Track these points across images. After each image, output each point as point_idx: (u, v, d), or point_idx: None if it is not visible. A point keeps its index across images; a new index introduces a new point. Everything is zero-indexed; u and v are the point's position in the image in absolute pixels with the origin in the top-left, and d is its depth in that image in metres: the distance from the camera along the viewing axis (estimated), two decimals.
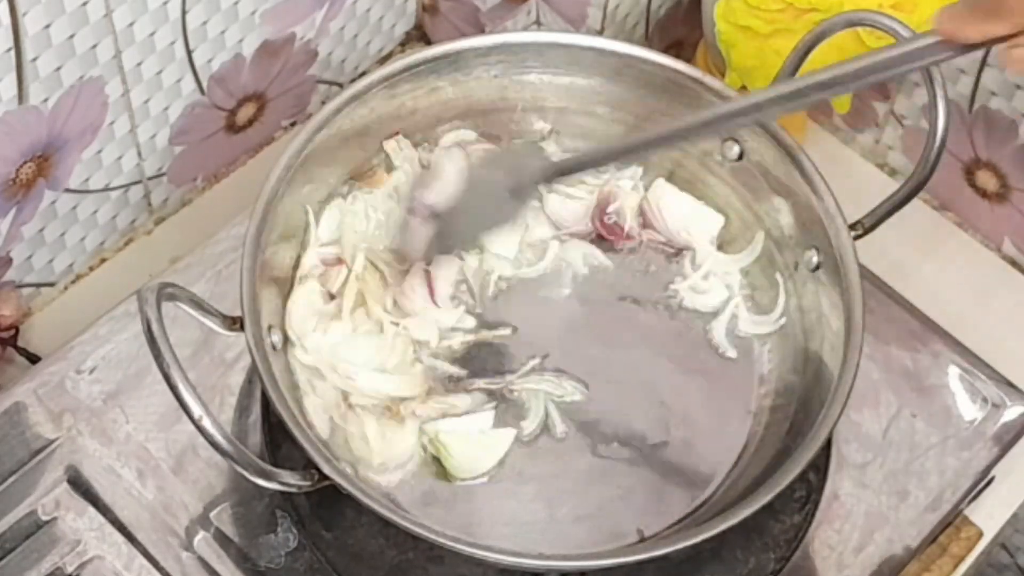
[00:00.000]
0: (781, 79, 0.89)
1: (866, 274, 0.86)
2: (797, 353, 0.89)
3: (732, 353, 0.91)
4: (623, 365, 0.90)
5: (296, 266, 0.88)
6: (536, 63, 0.92)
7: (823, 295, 0.86)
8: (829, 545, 0.86)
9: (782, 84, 0.80)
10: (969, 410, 0.91)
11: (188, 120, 0.98)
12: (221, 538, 0.83)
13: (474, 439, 0.84)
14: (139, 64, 0.90)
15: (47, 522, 0.83)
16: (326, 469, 0.73)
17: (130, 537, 0.83)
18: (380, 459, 0.83)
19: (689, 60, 0.93)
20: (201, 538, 0.83)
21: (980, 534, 0.92)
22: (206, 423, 0.69)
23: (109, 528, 0.83)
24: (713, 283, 0.93)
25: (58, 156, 0.90)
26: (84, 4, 0.83)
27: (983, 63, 1.00)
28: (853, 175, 1.11)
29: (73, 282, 1.00)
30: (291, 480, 0.73)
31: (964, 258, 1.08)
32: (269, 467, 0.72)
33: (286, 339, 0.84)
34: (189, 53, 0.93)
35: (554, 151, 0.95)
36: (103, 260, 1.01)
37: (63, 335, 0.90)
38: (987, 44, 0.67)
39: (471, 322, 0.90)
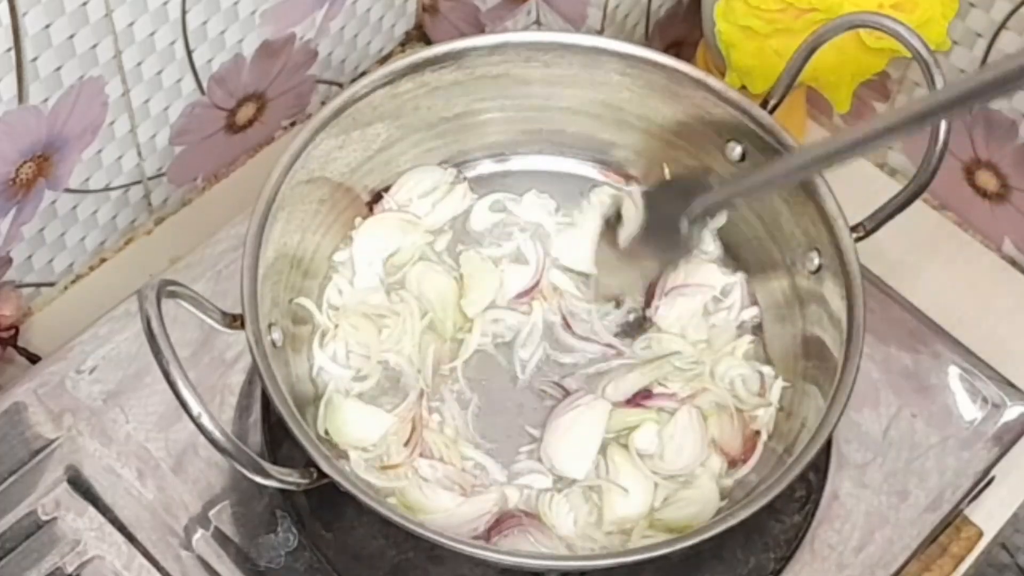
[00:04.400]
0: (784, 79, 0.89)
1: (866, 274, 0.86)
2: (797, 354, 0.89)
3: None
4: None
5: None
6: (537, 63, 0.92)
7: (824, 297, 0.86)
8: (829, 545, 0.86)
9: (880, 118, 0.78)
10: (969, 410, 0.91)
11: (188, 120, 0.98)
12: (221, 538, 0.83)
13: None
14: (139, 64, 0.90)
15: (47, 522, 0.83)
16: (325, 467, 0.73)
17: (130, 537, 0.83)
18: None
19: (689, 60, 0.92)
20: (201, 537, 0.83)
21: (980, 534, 0.92)
22: (205, 420, 0.69)
23: (109, 528, 0.83)
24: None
25: (58, 156, 0.90)
26: (84, 4, 0.83)
27: (983, 63, 1.00)
28: (853, 175, 1.10)
29: (73, 282, 1.00)
30: (289, 478, 0.73)
31: (964, 258, 1.08)
32: (268, 464, 0.72)
33: None
34: (189, 53, 0.93)
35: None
36: (103, 260, 1.01)
37: (63, 335, 0.90)
38: None
39: None
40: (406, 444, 0.85)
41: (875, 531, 0.86)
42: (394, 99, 0.90)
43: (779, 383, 0.88)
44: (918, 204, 0.88)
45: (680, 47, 1.15)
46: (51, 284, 0.99)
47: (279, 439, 0.86)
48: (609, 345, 0.91)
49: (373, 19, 1.08)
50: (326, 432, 0.85)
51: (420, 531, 0.74)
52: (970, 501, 0.90)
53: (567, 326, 0.91)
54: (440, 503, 0.83)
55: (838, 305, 0.83)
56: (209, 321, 0.77)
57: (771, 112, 0.89)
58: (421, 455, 0.84)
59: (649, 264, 0.91)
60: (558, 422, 0.85)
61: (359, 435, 0.84)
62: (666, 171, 0.95)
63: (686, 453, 0.86)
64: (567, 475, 0.84)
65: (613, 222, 0.92)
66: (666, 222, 0.88)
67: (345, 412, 0.85)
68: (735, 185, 0.87)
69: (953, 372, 0.93)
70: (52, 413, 0.86)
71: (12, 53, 0.81)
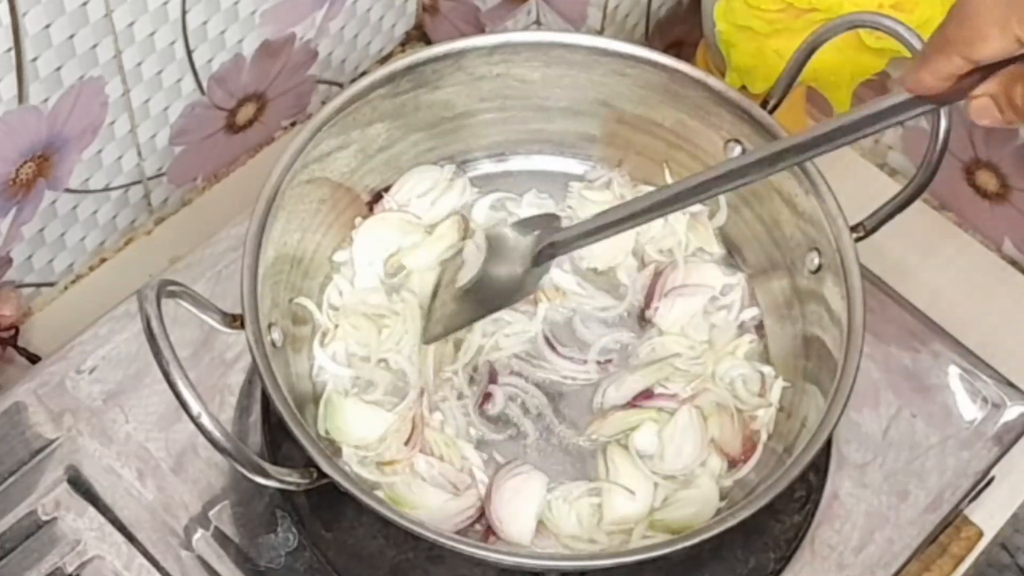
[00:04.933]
0: (784, 79, 0.89)
1: (866, 274, 0.86)
2: (797, 354, 0.89)
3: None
4: None
5: None
6: (537, 63, 0.92)
7: (824, 297, 0.86)
8: (829, 545, 0.86)
9: (765, 147, 0.78)
10: (969, 410, 0.91)
11: (188, 120, 0.98)
12: (221, 538, 0.83)
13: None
14: (139, 64, 0.90)
15: (47, 522, 0.83)
16: (325, 467, 0.73)
17: (130, 537, 0.83)
18: None
19: (689, 60, 0.92)
20: (201, 537, 0.83)
21: (980, 534, 0.92)
22: (204, 420, 0.69)
23: (109, 528, 0.83)
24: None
25: (58, 156, 0.90)
26: (84, 4, 0.83)
27: None
28: (853, 175, 1.11)
29: (73, 282, 1.00)
30: (289, 478, 0.73)
31: (964, 258, 1.08)
32: (267, 464, 0.72)
33: None
34: (189, 53, 0.93)
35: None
36: (103, 260, 1.01)
37: (63, 335, 0.90)
38: (954, 93, 0.65)
39: None
40: (407, 443, 0.85)
41: (875, 531, 0.86)
42: (394, 99, 0.90)
43: (779, 383, 0.88)
44: (918, 204, 0.88)
45: (680, 47, 1.15)
46: (51, 284, 0.99)
47: (279, 439, 0.86)
48: (598, 361, 0.91)
49: (373, 19, 1.08)
50: (326, 432, 0.85)
51: (421, 531, 0.74)
52: (970, 501, 0.90)
53: (551, 346, 0.91)
54: (426, 498, 0.83)
55: (838, 305, 0.83)
56: (209, 321, 0.77)
57: (771, 112, 0.89)
58: (421, 451, 0.85)
59: (483, 305, 0.87)
60: (503, 487, 0.84)
61: (359, 434, 0.84)
62: (666, 172, 0.95)
63: (686, 453, 0.86)
64: (512, 539, 0.83)
65: (455, 264, 0.89)
66: (507, 264, 0.86)
67: (345, 412, 0.85)
68: (583, 227, 0.84)
69: (953, 372, 0.93)
70: (52, 413, 0.86)
71: (12, 53, 0.81)
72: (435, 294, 0.89)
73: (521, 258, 0.85)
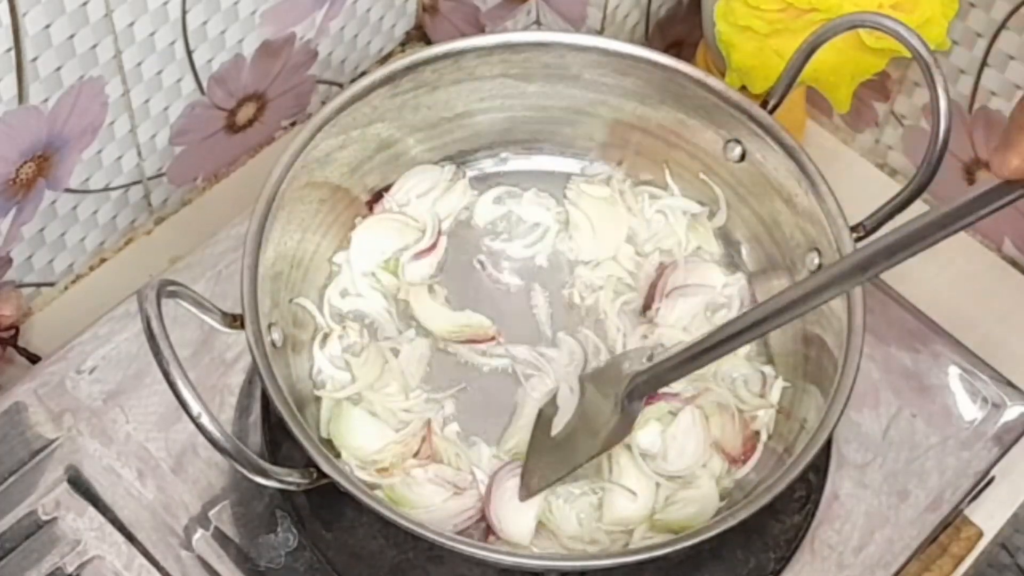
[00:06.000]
0: (784, 79, 0.89)
1: None
2: (797, 354, 0.89)
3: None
4: None
5: None
6: (537, 63, 0.92)
7: None
8: (829, 545, 0.86)
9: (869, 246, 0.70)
10: (969, 410, 0.91)
11: (188, 120, 0.98)
12: (221, 538, 0.83)
13: None
14: (139, 64, 0.90)
15: (47, 522, 0.83)
16: (325, 467, 0.73)
17: (130, 537, 0.83)
18: None
19: (689, 60, 0.92)
20: (201, 537, 0.83)
21: (980, 534, 0.92)
22: (204, 420, 0.69)
23: (109, 528, 0.83)
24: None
25: (58, 156, 0.90)
26: (84, 4, 0.83)
27: (983, 63, 1.00)
28: (853, 175, 1.11)
29: (73, 282, 1.00)
30: (289, 478, 0.73)
31: (964, 258, 1.08)
32: (267, 464, 0.72)
33: None
34: (189, 53, 0.93)
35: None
36: (103, 260, 1.01)
37: (63, 335, 0.90)
38: None
39: None
40: (415, 456, 0.85)
41: (875, 531, 0.86)
42: (394, 99, 0.90)
43: (779, 383, 0.88)
44: (918, 203, 0.88)
45: (680, 47, 1.15)
46: (51, 284, 0.99)
47: (279, 439, 0.86)
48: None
49: (373, 19, 1.08)
50: (327, 434, 0.85)
51: (421, 531, 0.74)
52: (970, 501, 0.90)
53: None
54: (426, 498, 0.83)
55: (838, 305, 0.83)
56: (209, 321, 0.77)
57: (771, 112, 0.89)
58: (429, 457, 0.85)
59: (583, 450, 0.84)
60: (503, 487, 0.84)
61: (358, 443, 0.84)
62: (666, 172, 0.95)
63: (688, 454, 0.86)
64: (512, 539, 0.83)
65: (549, 412, 0.87)
66: (601, 406, 0.84)
67: (352, 420, 0.85)
68: (671, 360, 0.80)
69: (953, 372, 0.93)
70: (52, 413, 0.86)
71: (12, 53, 0.81)
72: (531, 446, 0.86)
73: (615, 396, 0.83)
